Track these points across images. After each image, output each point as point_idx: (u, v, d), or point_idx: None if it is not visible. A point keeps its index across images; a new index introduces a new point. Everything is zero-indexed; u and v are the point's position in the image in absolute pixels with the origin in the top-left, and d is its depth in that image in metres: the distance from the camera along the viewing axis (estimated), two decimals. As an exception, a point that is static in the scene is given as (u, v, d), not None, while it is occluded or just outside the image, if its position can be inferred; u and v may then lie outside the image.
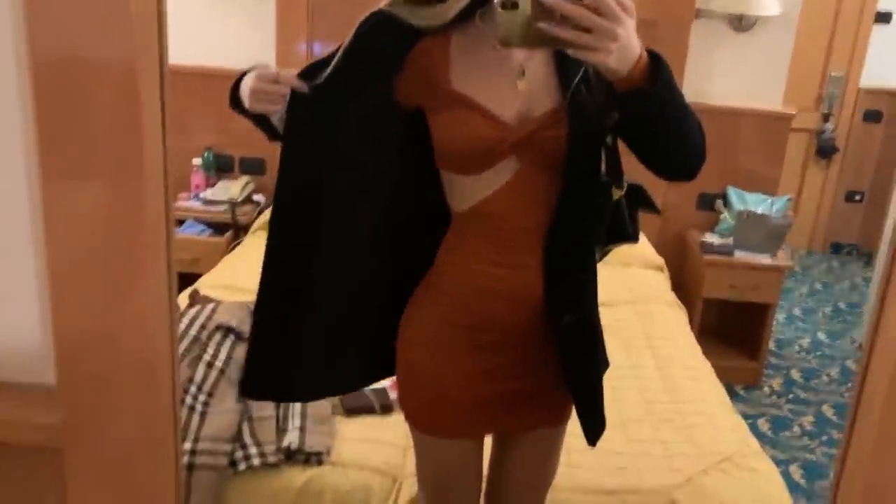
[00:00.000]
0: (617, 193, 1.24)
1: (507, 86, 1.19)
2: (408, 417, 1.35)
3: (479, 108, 1.18)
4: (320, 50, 3.23)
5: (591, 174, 1.21)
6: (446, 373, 1.28)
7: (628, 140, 1.17)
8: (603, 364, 1.35)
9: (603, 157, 1.21)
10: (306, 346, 1.30)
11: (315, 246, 1.24)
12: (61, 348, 0.82)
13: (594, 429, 1.31)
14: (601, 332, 1.34)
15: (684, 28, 3.13)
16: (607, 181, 1.22)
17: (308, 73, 1.19)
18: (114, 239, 0.80)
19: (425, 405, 1.32)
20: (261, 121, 1.24)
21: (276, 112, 1.19)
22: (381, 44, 1.20)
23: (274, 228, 1.25)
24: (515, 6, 1.00)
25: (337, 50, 1.21)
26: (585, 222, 1.23)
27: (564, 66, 1.19)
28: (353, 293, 1.31)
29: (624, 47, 1.00)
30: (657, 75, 1.04)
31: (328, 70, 1.18)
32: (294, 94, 1.17)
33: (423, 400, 1.32)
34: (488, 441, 1.42)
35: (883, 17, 4.68)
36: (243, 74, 1.23)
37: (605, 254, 1.35)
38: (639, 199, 1.31)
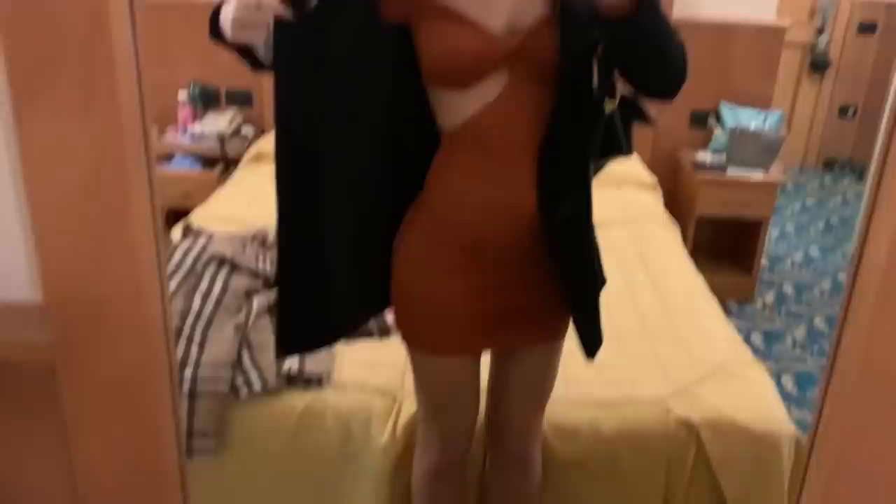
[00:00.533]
0: (609, 106, 1.23)
1: None
2: (404, 337, 1.36)
3: (466, 20, 1.15)
4: None
5: (582, 86, 1.19)
6: (440, 291, 1.28)
7: (610, 58, 1.16)
8: (600, 280, 1.36)
9: (594, 70, 1.19)
10: (330, 285, 1.26)
11: (319, 173, 1.21)
12: (47, 269, 0.82)
13: (592, 343, 1.33)
14: (597, 249, 1.34)
15: (675, -61, 3.05)
16: (599, 94, 1.20)
17: None
18: (94, 170, 0.79)
19: (421, 324, 1.33)
20: (244, 52, 1.18)
21: (261, 42, 1.12)
22: None
23: (279, 160, 1.19)
24: None
25: None
26: (578, 136, 1.22)
27: None
28: (359, 219, 1.28)
29: None
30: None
31: None
32: (278, 20, 1.11)
33: (418, 319, 1.32)
34: (486, 359, 1.44)
35: (879, -76, 4.56)
36: (221, 2, 1.17)
37: (599, 168, 1.34)
38: (632, 111, 1.29)
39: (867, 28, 4.81)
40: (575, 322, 1.31)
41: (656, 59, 1.13)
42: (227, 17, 1.11)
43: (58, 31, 0.74)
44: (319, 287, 1.26)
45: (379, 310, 1.39)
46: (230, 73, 3.31)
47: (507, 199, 1.23)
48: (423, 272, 1.29)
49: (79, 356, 0.85)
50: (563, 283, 1.27)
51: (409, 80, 1.22)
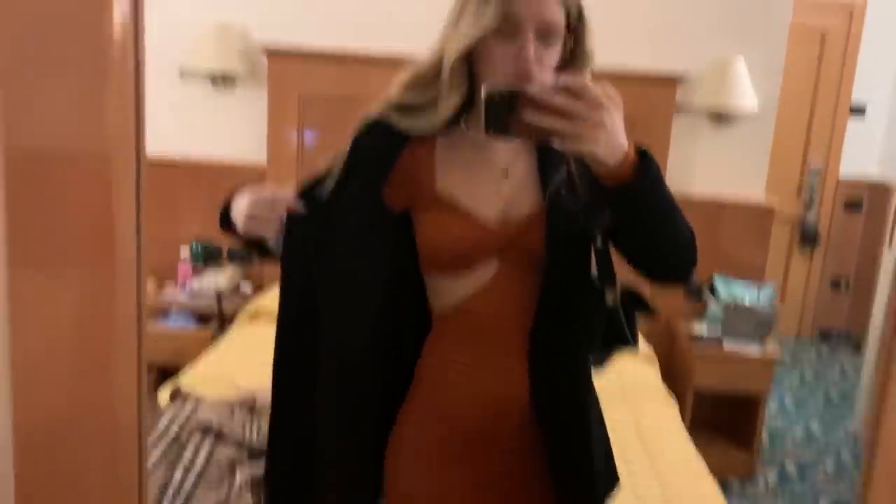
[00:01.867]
0: (611, 296, 1.21)
1: (490, 188, 1.20)
2: None
3: (461, 211, 1.19)
4: (311, 137, 3.28)
5: (576, 277, 1.20)
6: (433, 487, 1.23)
7: (617, 240, 1.15)
8: (607, 481, 1.29)
9: (593, 261, 1.20)
10: (321, 470, 1.24)
11: (316, 354, 1.22)
12: (20, 438, 0.78)
13: None
14: (605, 446, 1.28)
15: (666, 123, 3.21)
16: (599, 285, 1.20)
17: (305, 192, 1.19)
18: (79, 325, 0.77)
19: None
20: (253, 243, 1.22)
21: (273, 236, 1.16)
22: (374, 151, 1.21)
23: (278, 347, 1.23)
24: (502, 96, 1.00)
25: (329, 166, 1.21)
26: (571, 326, 1.21)
27: (546, 168, 1.20)
28: (355, 402, 1.25)
29: (611, 137, 0.98)
30: (646, 170, 1.03)
31: (327, 186, 1.19)
32: (291, 213, 1.16)
33: None
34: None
35: (857, 111, 4.83)
36: (231, 196, 1.22)
37: (602, 361, 1.29)
38: (635, 302, 1.27)
39: (852, 206, 4.98)
40: None
41: (663, 236, 1.10)
42: (239, 212, 1.16)
43: (61, 184, 0.74)
44: (310, 471, 1.22)
45: (372, 498, 1.33)
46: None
47: (498, 388, 1.20)
48: (415, 466, 1.24)
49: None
50: (557, 483, 1.21)
51: (407, 265, 1.24)
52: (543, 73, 1.10)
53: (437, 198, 1.20)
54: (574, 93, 0.98)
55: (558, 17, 1.11)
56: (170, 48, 3.28)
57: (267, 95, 3.25)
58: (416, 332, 1.26)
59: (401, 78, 1.20)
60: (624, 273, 1.22)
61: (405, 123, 1.19)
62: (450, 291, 1.22)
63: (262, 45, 3.22)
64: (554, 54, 1.12)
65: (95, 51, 0.73)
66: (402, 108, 1.20)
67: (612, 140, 0.99)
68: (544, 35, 1.10)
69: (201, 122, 3.39)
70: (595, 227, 1.16)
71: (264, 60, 3.24)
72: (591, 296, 1.20)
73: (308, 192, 1.19)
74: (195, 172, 3.36)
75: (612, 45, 3.13)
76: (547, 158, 1.20)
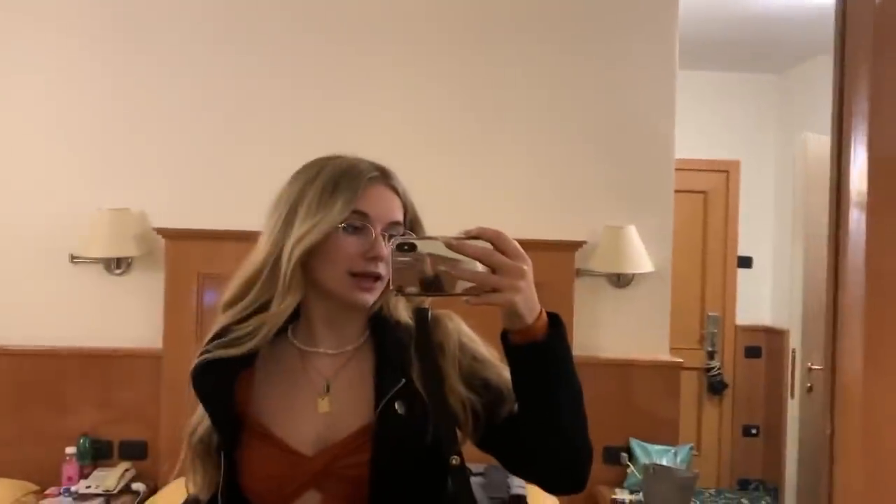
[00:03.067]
0: None
1: (307, 407, 1.12)
2: None
3: (273, 439, 1.10)
4: (212, 298, 3.13)
5: (414, 502, 1.10)
6: None
7: (512, 430, 1.06)
8: None
9: (449, 482, 1.09)
10: None
11: None
12: None
13: None
14: None
15: (567, 287, 3.27)
16: None
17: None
18: None
19: None
20: None
21: None
22: (211, 388, 1.13)
23: None
24: (413, 248, 0.94)
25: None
26: None
27: (383, 378, 1.11)
28: None
29: (530, 287, 0.94)
30: (556, 328, 0.99)
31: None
32: None
33: None
34: None
35: (744, 262, 5.11)
36: None
37: None
38: None
39: (752, 352, 5.14)
40: None
41: (568, 412, 1.02)
42: None
43: None
44: None
45: None
46: (126, 422, 3.15)
47: None
48: None
49: None
50: None
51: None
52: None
53: (251, 424, 1.11)
54: (490, 241, 0.94)
55: (400, 215, 1.14)
56: (60, 234, 3.17)
57: (164, 277, 3.15)
58: None
59: (232, 283, 1.14)
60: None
61: (227, 352, 1.11)
62: None
63: (159, 228, 3.15)
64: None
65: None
66: (227, 332, 1.13)
67: (530, 293, 0.95)
68: (388, 231, 1.10)
69: (93, 308, 3.23)
70: (450, 444, 1.07)
71: (161, 243, 3.16)
72: None
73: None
74: (83, 362, 3.15)
75: (514, 216, 3.23)
76: (384, 368, 1.12)
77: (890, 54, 0.44)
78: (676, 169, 3.41)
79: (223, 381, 1.11)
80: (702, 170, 4.98)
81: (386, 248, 1.07)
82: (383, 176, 1.14)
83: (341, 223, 1.07)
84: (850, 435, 0.45)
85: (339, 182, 1.09)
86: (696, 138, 4.72)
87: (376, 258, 1.07)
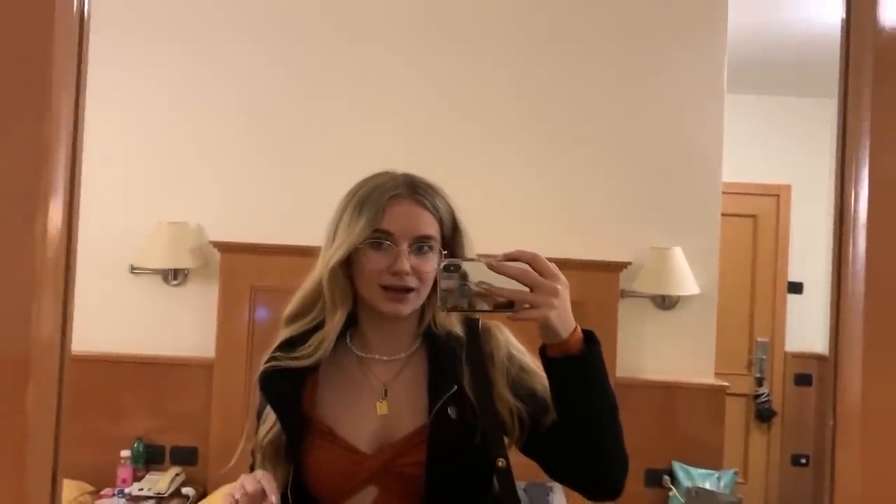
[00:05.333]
0: None
1: (367, 409, 1.19)
2: None
3: (336, 438, 1.18)
4: (264, 315, 3.23)
5: (466, 501, 1.16)
6: None
7: (550, 436, 1.13)
8: None
9: (495, 482, 1.17)
10: None
11: None
12: None
13: None
14: None
15: (611, 308, 3.28)
16: None
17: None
18: None
19: None
20: None
21: None
22: (280, 393, 1.21)
23: None
24: (458, 269, 1.03)
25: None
26: None
27: (436, 384, 1.18)
28: None
29: (564, 305, 1.03)
30: (592, 344, 1.07)
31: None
32: None
33: None
34: None
35: (795, 288, 5.02)
36: None
37: None
38: None
39: (803, 379, 5.04)
40: None
41: (601, 424, 1.09)
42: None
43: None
44: None
45: None
46: (178, 429, 3.26)
47: None
48: None
49: None
50: None
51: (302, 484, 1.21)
52: (421, 281, 1.16)
53: (315, 423, 1.19)
54: (528, 262, 1.02)
55: (432, 230, 1.18)
56: (121, 245, 3.31)
57: (218, 289, 3.26)
58: None
59: (294, 298, 1.23)
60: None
61: (293, 362, 1.20)
62: None
63: (215, 241, 3.27)
64: (431, 261, 1.17)
65: (25, 254, 0.72)
66: (292, 342, 1.21)
67: (564, 309, 1.03)
68: (419, 246, 1.16)
69: (151, 317, 3.36)
70: (497, 447, 1.14)
71: (216, 255, 3.28)
72: None
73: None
74: (137, 369, 3.28)
75: (560, 237, 3.27)
76: (438, 374, 1.19)
77: (890, 78, 0.48)
78: (725, 192, 3.41)
79: (291, 387, 1.20)
80: (752, 193, 4.94)
81: (424, 263, 1.16)
82: (410, 192, 1.20)
83: (364, 241, 1.15)
84: (849, 425, 0.49)
85: (364, 202, 1.18)
86: (746, 162, 4.69)
87: (398, 272, 1.15)
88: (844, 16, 0.52)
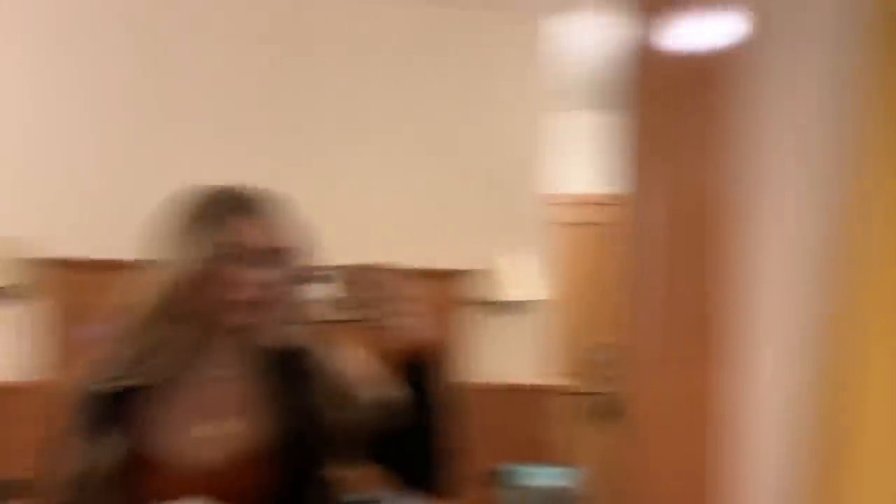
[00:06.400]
0: None
1: (204, 428, 1.17)
2: None
3: (171, 461, 1.15)
4: (99, 331, 3.03)
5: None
6: None
7: (396, 437, 1.17)
8: None
9: (327, 495, 1.19)
10: None
11: None
12: None
13: None
14: None
15: (449, 315, 3.33)
16: None
17: None
18: None
19: None
20: None
21: None
22: (107, 416, 1.16)
23: None
24: (306, 281, 1.09)
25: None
26: None
27: (271, 400, 1.19)
28: None
29: (412, 314, 1.13)
30: (438, 353, 1.16)
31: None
32: None
33: None
34: None
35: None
36: None
37: None
38: None
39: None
40: None
41: (444, 424, 1.17)
42: None
43: None
44: None
45: None
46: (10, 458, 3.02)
47: None
48: None
49: None
50: None
51: None
52: (265, 295, 1.14)
53: (149, 449, 1.15)
54: (374, 274, 1.11)
55: (276, 243, 1.17)
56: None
57: (34, 309, 3.08)
58: None
59: (125, 316, 1.18)
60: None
61: (127, 381, 1.15)
62: None
63: (33, 258, 3.09)
64: (276, 275, 1.16)
65: None
66: (123, 361, 1.17)
67: (412, 318, 1.13)
68: (263, 259, 1.15)
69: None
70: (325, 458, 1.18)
71: (32, 273, 3.10)
72: None
73: None
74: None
75: (399, 247, 3.28)
76: (272, 388, 1.20)
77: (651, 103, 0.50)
78: (572, 203, 3.57)
79: (120, 410, 1.15)
80: (599, 203, 5.12)
81: (268, 277, 1.15)
82: (251, 205, 1.18)
83: (207, 256, 1.13)
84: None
85: (204, 216, 1.15)
86: (595, 174, 4.87)
87: (242, 286, 1.13)
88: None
